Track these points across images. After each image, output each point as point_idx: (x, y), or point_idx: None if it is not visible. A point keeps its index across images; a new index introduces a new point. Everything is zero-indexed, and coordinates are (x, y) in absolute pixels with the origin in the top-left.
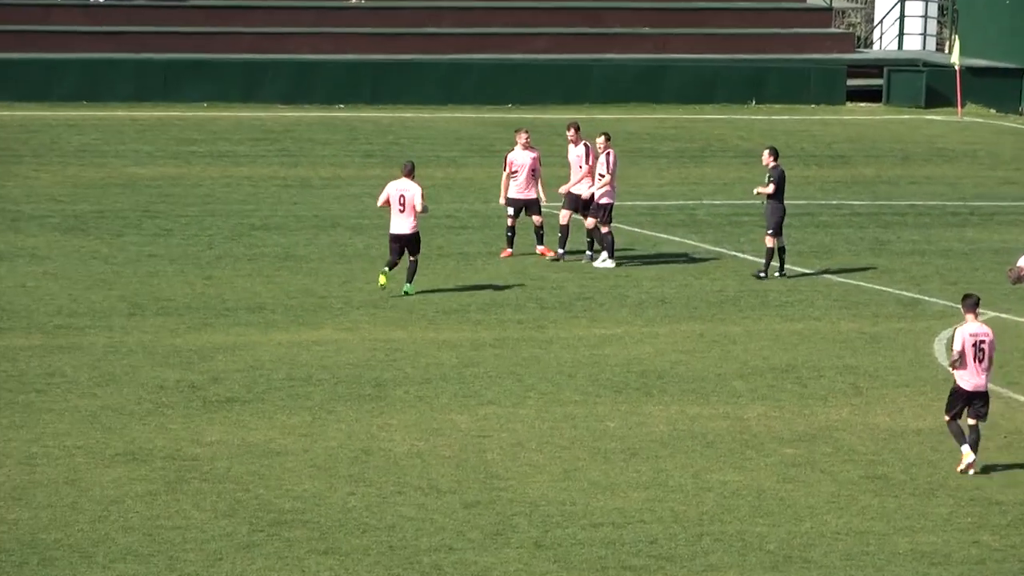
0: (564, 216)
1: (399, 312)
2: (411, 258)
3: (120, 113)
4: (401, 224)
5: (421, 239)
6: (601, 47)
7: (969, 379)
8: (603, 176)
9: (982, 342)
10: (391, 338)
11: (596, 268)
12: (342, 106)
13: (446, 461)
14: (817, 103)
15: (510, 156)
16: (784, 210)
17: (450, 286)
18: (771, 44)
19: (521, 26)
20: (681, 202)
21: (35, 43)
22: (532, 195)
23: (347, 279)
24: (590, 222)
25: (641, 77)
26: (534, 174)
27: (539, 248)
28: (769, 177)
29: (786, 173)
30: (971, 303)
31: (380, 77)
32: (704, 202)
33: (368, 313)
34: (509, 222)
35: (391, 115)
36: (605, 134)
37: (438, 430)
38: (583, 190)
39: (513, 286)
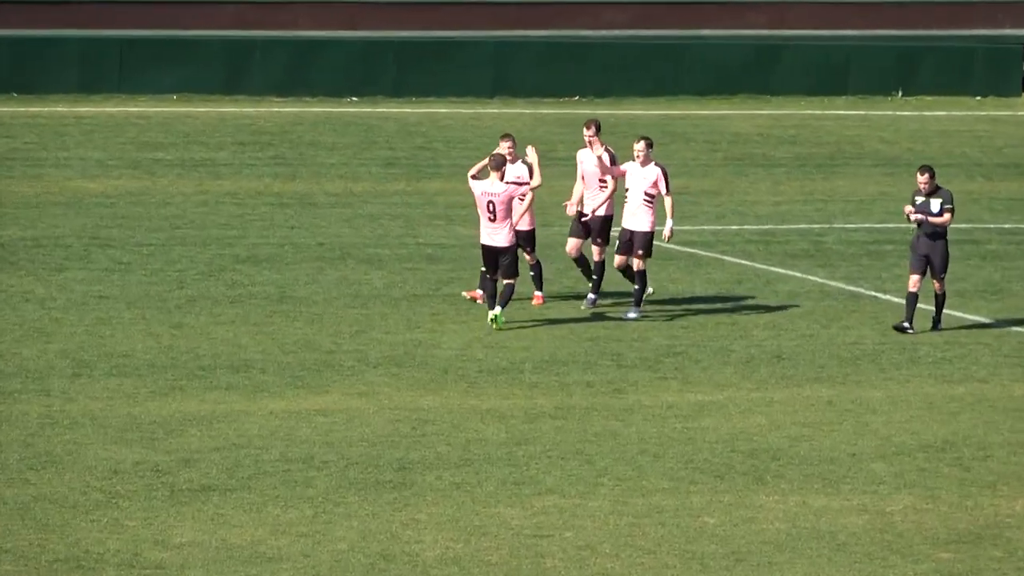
0: (573, 247)
1: (430, 371)
2: (505, 281)
3: (61, 108)
4: (493, 235)
5: (519, 258)
6: (698, 20)
7: None
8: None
9: None
10: (419, 406)
11: (628, 320)
12: (355, 99)
13: (492, 570)
14: (984, 95)
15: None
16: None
17: (498, 336)
18: (923, 16)
19: None
20: (803, 225)
21: None
22: (523, 225)
23: (361, 327)
24: (619, 260)
25: (751, 60)
26: (520, 197)
27: (536, 295)
28: (944, 204)
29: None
30: None
31: (406, 60)
32: (834, 225)
33: (389, 373)
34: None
35: (420, 111)
36: (646, 139)
37: (481, 528)
38: (594, 210)
39: (581, 337)
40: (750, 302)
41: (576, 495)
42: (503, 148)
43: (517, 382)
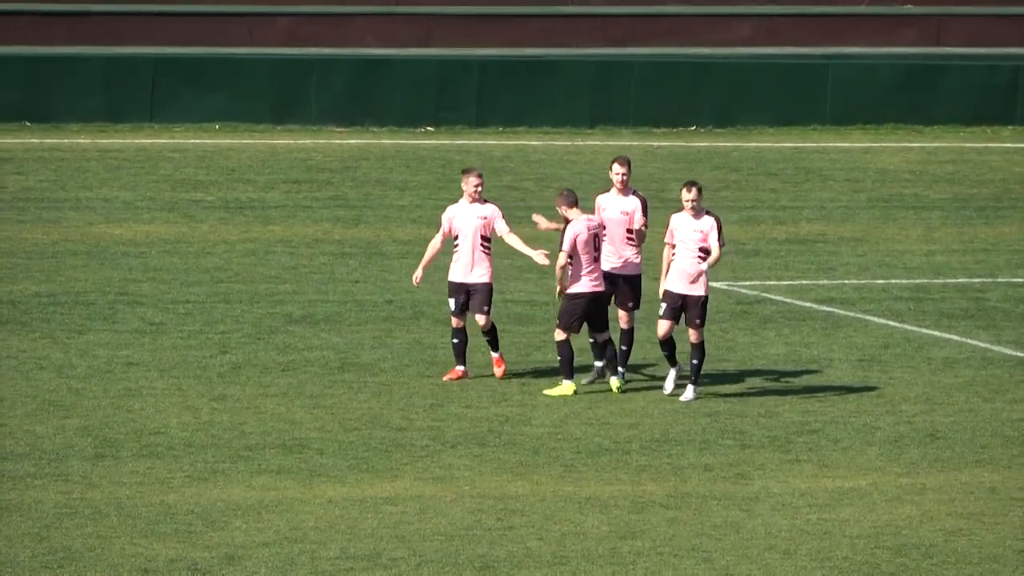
0: (667, 328)
1: (518, 452)
2: (600, 337)
3: (83, 140)
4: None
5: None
6: (838, 36)
7: None
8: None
9: None
10: (506, 493)
11: (685, 402)
12: (430, 129)
13: None
14: None
15: (448, 212)
16: None
17: (598, 411)
18: None
19: (714, 3)
20: (962, 280)
21: None
22: (481, 278)
23: (437, 400)
24: (664, 327)
25: (900, 84)
26: (485, 245)
27: (494, 356)
28: None
29: None
30: None
31: (491, 83)
32: (999, 280)
33: (470, 454)
34: (454, 322)
35: (507, 143)
36: (695, 185)
37: None
38: (621, 269)
39: (697, 412)
40: (898, 371)
41: None
42: (469, 185)
43: (622, 465)
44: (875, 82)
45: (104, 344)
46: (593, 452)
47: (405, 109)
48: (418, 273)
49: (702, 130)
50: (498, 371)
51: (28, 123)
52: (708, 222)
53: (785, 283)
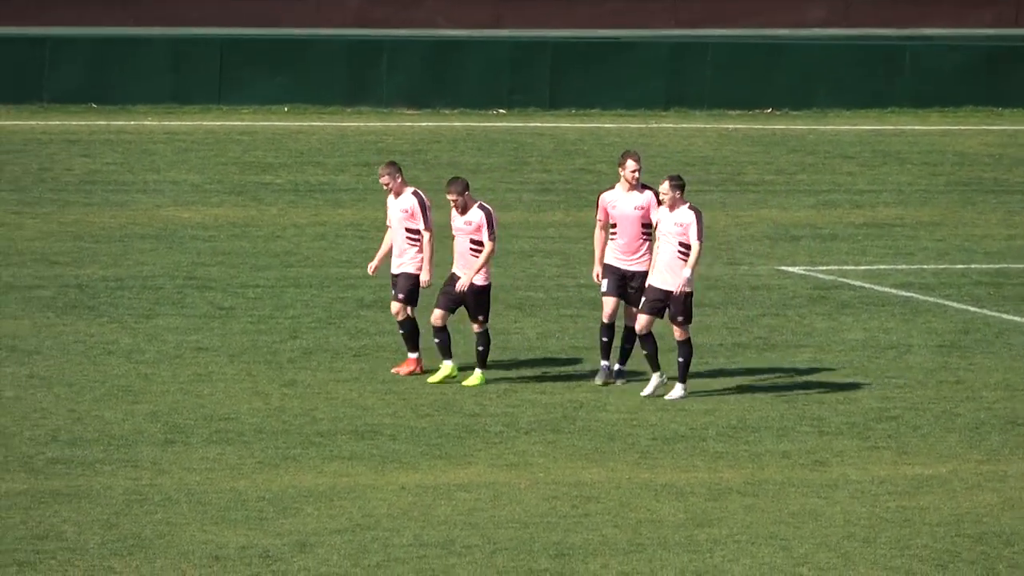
0: (609, 305)
1: (593, 438)
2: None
3: (150, 122)
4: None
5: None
6: (916, 17)
7: None
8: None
9: None
10: (581, 480)
11: (670, 400)
12: (502, 111)
13: None
14: None
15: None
16: None
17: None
18: None
19: None
20: None
21: (15, 12)
22: (408, 267)
23: (512, 386)
24: (642, 321)
25: (980, 65)
26: (414, 235)
27: (411, 358)
28: None
29: None
30: None
31: (564, 65)
32: None
33: (544, 440)
34: (395, 310)
35: (580, 125)
36: (671, 179)
37: None
38: (632, 264)
39: (775, 398)
40: (978, 357)
41: None
42: (384, 178)
43: (699, 452)
44: (953, 64)
45: (173, 329)
46: (669, 439)
47: (477, 91)
48: (597, 269)
49: (778, 112)
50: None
51: (95, 105)
52: (688, 216)
53: (863, 268)
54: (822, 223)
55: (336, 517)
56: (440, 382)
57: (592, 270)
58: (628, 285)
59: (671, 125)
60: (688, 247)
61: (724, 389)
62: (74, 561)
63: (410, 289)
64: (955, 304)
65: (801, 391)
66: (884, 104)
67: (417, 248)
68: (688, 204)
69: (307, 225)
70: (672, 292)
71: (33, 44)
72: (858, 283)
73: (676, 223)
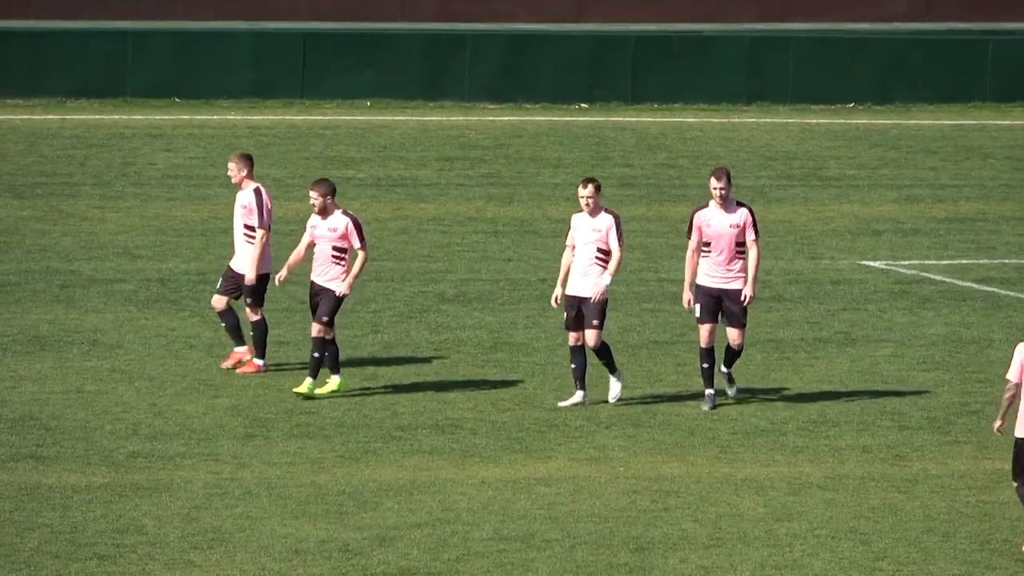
0: (706, 331)
1: (673, 433)
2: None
3: (232, 116)
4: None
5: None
6: (999, 11)
7: None
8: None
9: None
10: (661, 474)
11: (615, 398)
12: (584, 105)
13: None
14: None
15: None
16: None
17: (756, 391)
18: None
19: None
20: None
21: (98, 6)
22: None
23: (592, 380)
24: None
25: None
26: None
27: (239, 351)
28: None
29: None
30: None
31: (646, 59)
32: None
33: (624, 435)
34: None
35: (662, 120)
36: (591, 181)
37: None
38: (728, 282)
39: (855, 393)
40: None
41: None
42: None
43: (778, 446)
44: None
45: None
46: (749, 433)
47: (559, 85)
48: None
49: (860, 107)
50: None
51: (177, 99)
52: (606, 221)
53: (944, 262)
54: (904, 218)
55: (416, 511)
56: (309, 394)
57: (683, 296)
58: (723, 305)
59: (753, 120)
60: (605, 252)
61: (805, 383)
62: (154, 555)
63: (239, 285)
64: None
65: (881, 385)
66: (967, 98)
67: (253, 245)
68: (606, 209)
69: (389, 219)
70: (586, 298)
71: (116, 38)
72: (939, 278)
73: (594, 229)
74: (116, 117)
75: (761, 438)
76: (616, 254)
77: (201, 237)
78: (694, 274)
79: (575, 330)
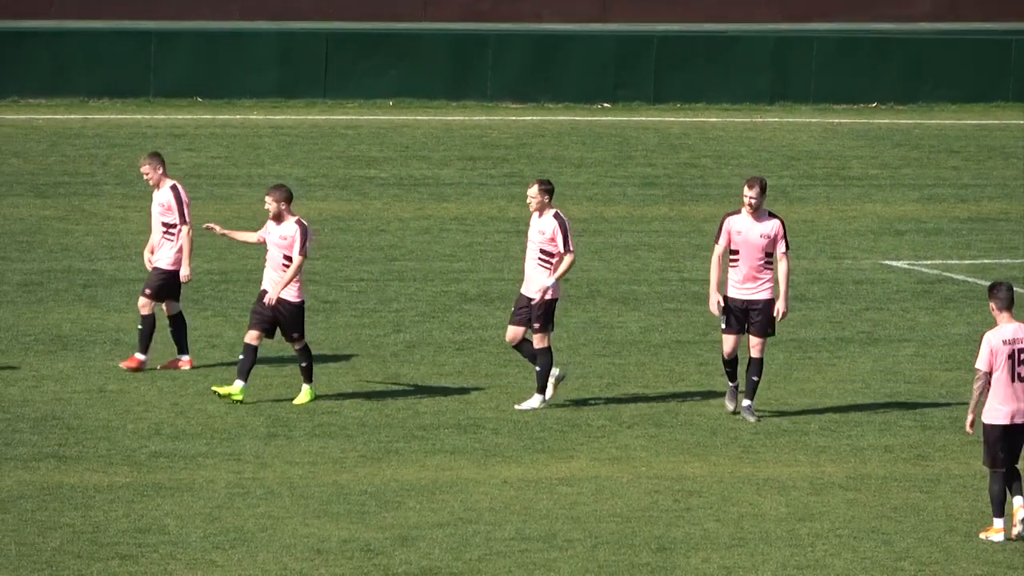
0: (730, 344)
1: (696, 433)
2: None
3: (255, 116)
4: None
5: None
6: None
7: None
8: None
9: (1023, 351)
10: (683, 474)
11: (521, 410)
12: (607, 105)
13: None
14: None
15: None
16: None
17: (777, 391)
18: None
19: None
20: None
21: (121, 6)
22: (162, 263)
23: (613, 380)
24: (510, 332)
25: None
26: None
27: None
28: None
29: None
30: (1004, 295)
31: (668, 59)
32: None
33: (646, 434)
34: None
35: (685, 119)
36: (538, 182)
37: None
38: (755, 293)
39: (878, 392)
40: None
41: None
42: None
43: (801, 446)
44: None
45: None
46: (771, 433)
47: (581, 85)
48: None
49: (883, 107)
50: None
51: (200, 99)
52: (551, 224)
53: (967, 262)
54: (926, 217)
55: (438, 511)
56: (222, 396)
57: (709, 300)
58: (750, 317)
59: (776, 120)
60: (549, 254)
61: (827, 383)
62: (176, 554)
63: (159, 285)
64: None
65: (904, 385)
66: (990, 98)
67: (172, 243)
68: (555, 211)
69: (411, 219)
70: (531, 298)
71: (139, 38)
72: (962, 277)
73: (539, 230)
74: (139, 117)
75: (783, 438)
76: (567, 257)
77: (223, 237)
78: (719, 280)
79: (513, 326)
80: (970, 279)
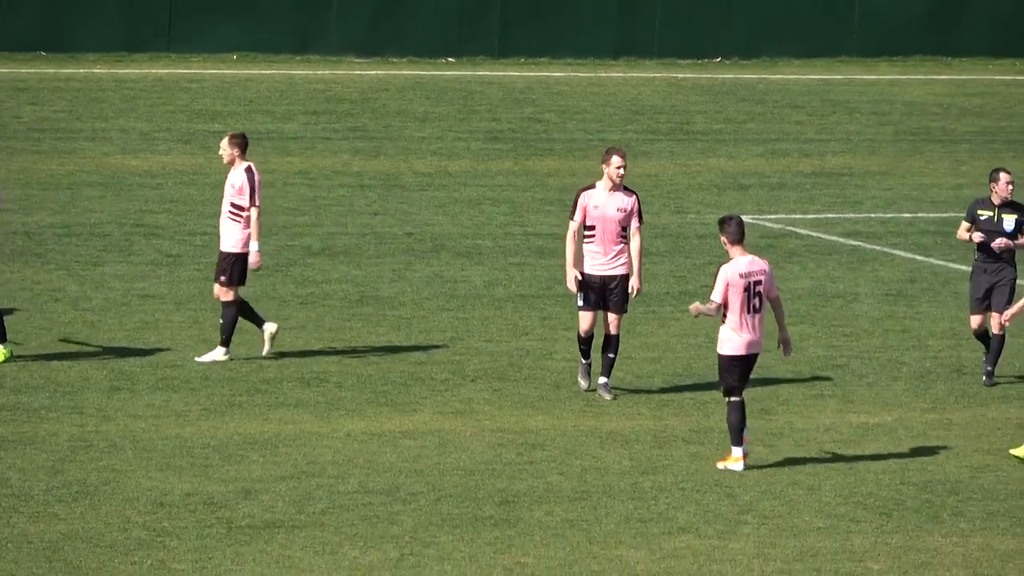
0: (587, 320)
1: (539, 387)
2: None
3: (99, 70)
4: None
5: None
6: None
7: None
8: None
9: (758, 283)
10: (527, 427)
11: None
12: (451, 60)
13: None
14: None
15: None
16: None
17: (623, 345)
18: None
19: None
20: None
21: None
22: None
23: (457, 334)
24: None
25: (927, 15)
26: (235, 211)
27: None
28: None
29: None
30: (735, 229)
31: (513, 13)
32: None
33: (491, 388)
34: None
35: (529, 74)
36: (235, 138)
37: (599, 574)
38: (613, 269)
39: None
40: (925, 305)
41: (714, 535)
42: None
43: (644, 400)
44: (902, 14)
45: (120, 276)
46: (614, 387)
47: (426, 40)
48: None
49: (727, 62)
50: None
51: (44, 53)
52: (240, 177)
53: (810, 216)
54: (770, 172)
55: (281, 464)
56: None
57: (567, 276)
58: (607, 293)
59: (620, 74)
60: (239, 208)
61: (670, 337)
62: (19, 507)
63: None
64: (902, 253)
65: None
66: (833, 54)
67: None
68: (246, 165)
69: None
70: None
71: None
72: (805, 232)
73: (231, 183)
74: None
75: (625, 391)
76: (252, 212)
77: (67, 191)
78: (576, 256)
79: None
80: (814, 233)
